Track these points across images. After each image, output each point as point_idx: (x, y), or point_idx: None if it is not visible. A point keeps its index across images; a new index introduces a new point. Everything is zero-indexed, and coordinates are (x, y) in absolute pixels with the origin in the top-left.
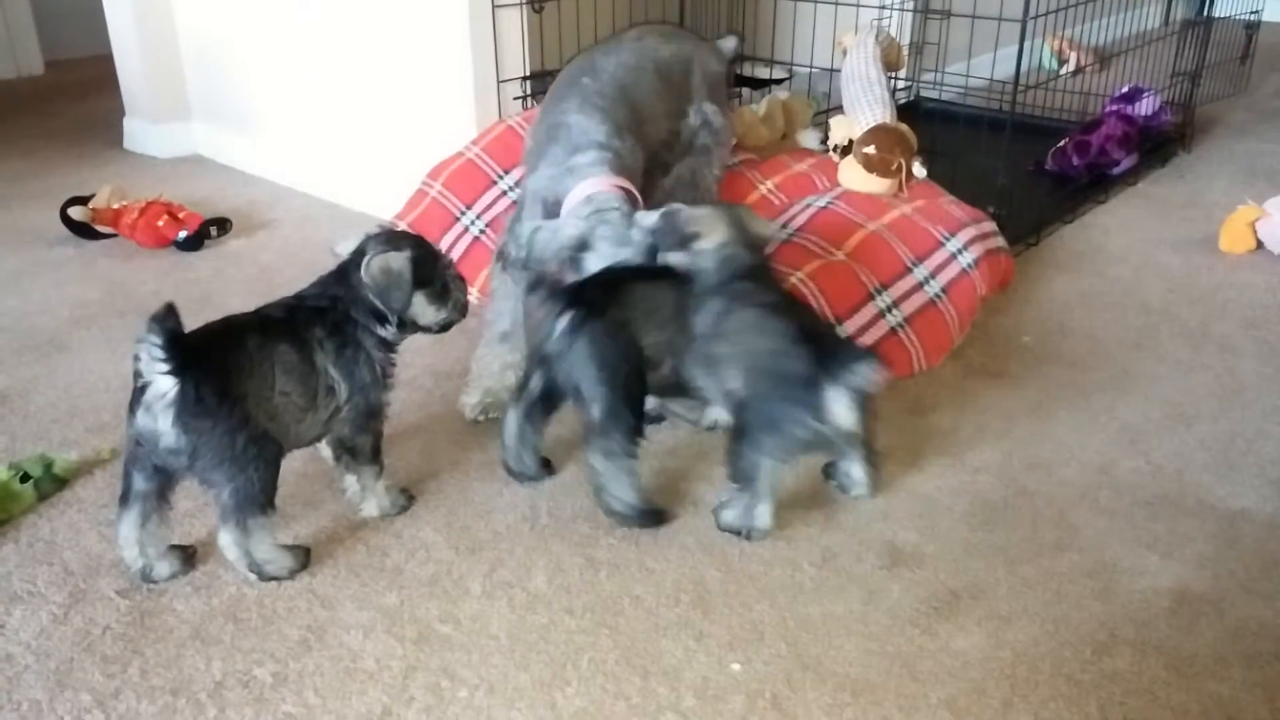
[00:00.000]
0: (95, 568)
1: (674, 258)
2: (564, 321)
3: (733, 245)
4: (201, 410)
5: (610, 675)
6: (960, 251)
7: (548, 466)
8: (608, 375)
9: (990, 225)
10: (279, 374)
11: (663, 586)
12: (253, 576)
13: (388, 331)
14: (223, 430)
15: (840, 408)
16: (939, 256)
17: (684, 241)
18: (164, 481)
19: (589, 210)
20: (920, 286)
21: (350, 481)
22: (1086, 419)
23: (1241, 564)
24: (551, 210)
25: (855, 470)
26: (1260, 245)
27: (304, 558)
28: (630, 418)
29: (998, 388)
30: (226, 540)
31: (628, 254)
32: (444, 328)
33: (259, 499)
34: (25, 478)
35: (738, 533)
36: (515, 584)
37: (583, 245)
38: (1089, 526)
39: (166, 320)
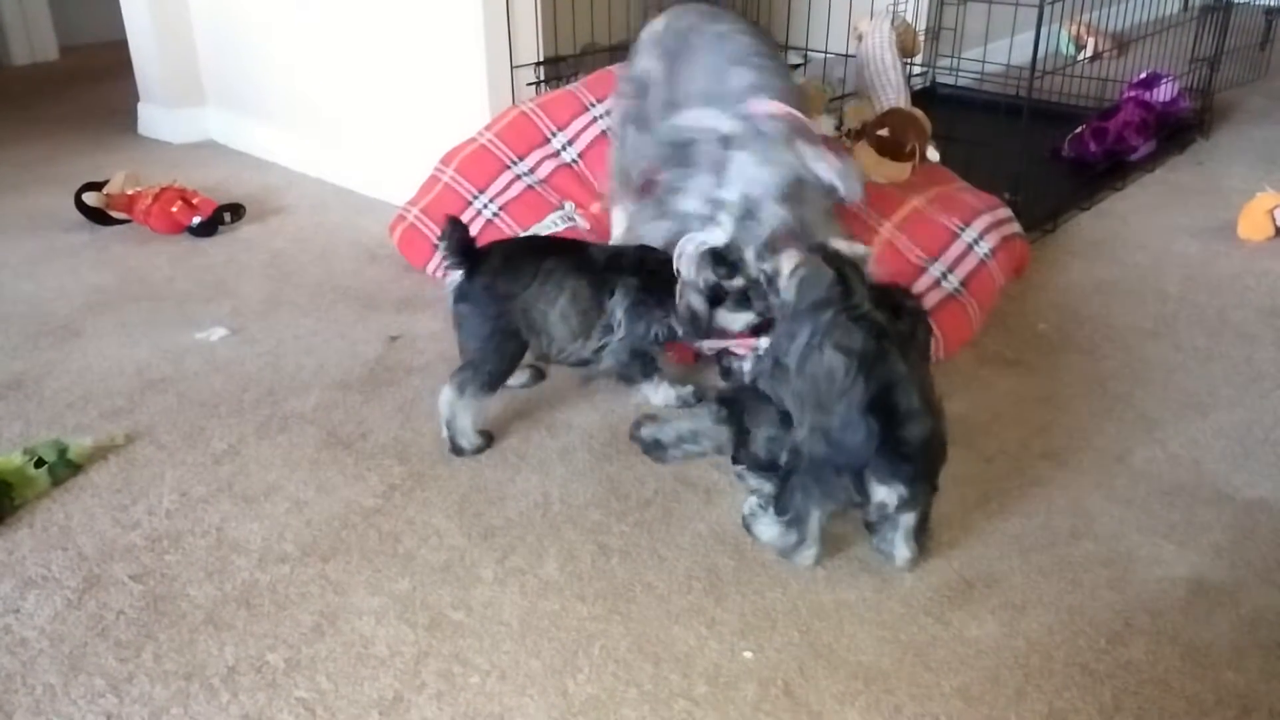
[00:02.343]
0: (109, 553)
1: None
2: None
3: (815, 268)
4: (468, 296)
5: (622, 662)
6: (977, 241)
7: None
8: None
9: (1005, 211)
10: (564, 300)
11: (675, 574)
12: (444, 435)
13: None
14: (479, 316)
15: (883, 499)
16: (955, 249)
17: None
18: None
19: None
20: (938, 283)
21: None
22: (1103, 407)
23: (1258, 553)
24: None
25: (899, 543)
26: (1279, 233)
27: (487, 442)
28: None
29: (1013, 375)
30: (445, 397)
31: (768, 174)
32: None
33: (484, 380)
34: (40, 463)
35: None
36: (527, 570)
37: (728, 142)
38: (1104, 515)
39: (455, 229)
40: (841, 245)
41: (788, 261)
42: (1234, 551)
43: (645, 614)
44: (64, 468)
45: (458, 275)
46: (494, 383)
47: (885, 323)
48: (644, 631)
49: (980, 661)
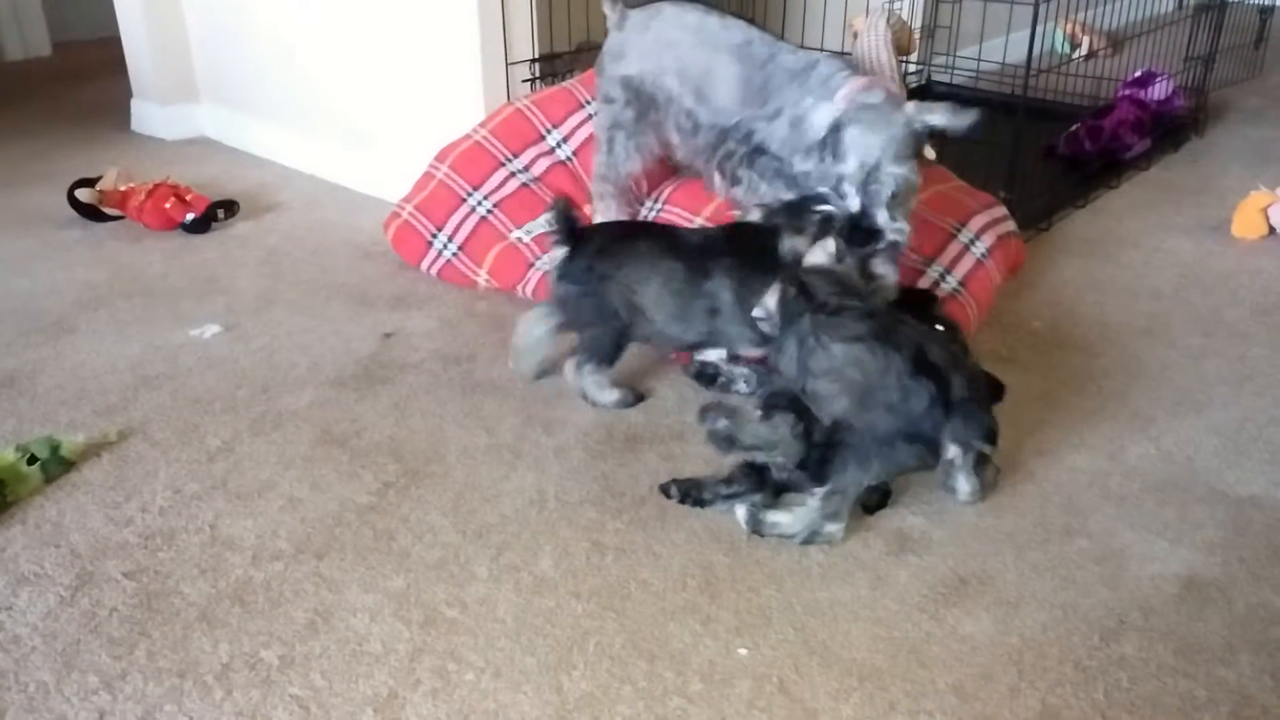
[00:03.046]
0: (102, 550)
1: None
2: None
3: (787, 296)
4: (568, 275)
5: (617, 659)
6: (973, 242)
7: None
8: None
9: (1000, 210)
10: (659, 284)
11: (670, 571)
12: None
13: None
14: (579, 294)
15: (957, 458)
16: (952, 250)
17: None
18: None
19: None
20: (937, 284)
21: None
22: (1096, 405)
23: (1251, 550)
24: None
25: (961, 480)
26: (1272, 231)
27: (635, 397)
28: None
29: (1008, 373)
30: (568, 369)
31: (885, 137)
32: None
33: (595, 355)
34: (32, 460)
35: (791, 537)
36: (522, 568)
37: (838, 126)
38: (1098, 512)
39: (563, 208)
40: (819, 257)
41: (770, 301)
42: (1227, 549)
43: (640, 611)
44: (57, 465)
45: (560, 253)
46: (606, 358)
47: (862, 306)
48: (639, 629)
49: (974, 658)
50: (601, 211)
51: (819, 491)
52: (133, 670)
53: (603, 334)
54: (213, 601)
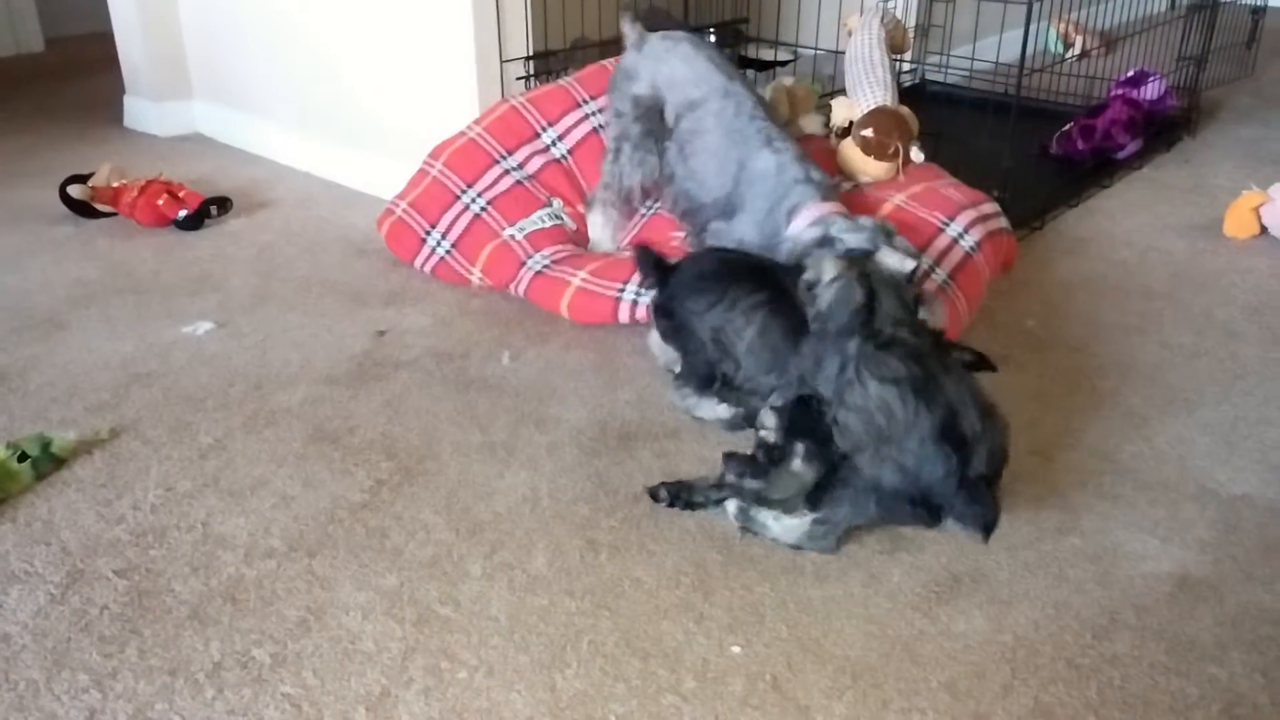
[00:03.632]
0: (93, 548)
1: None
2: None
3: (850, 283)
4: (661, 310)
5: (610, 657)
6: (962, 235)
7: None
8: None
9: (991, 206)
10: (752, 332)
11: (663, 569)
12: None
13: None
14: (673, 329)
15: (951, 526)
16: (941, 242)
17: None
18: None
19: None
20: (928, 275)
21: None
22: (1089, 403)
23: (1242, 549)
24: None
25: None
26: (1264, 230)
27: (738, 418)
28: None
29: (1001, 372)
30: (672, 398)
31: (859, 239)
32: None
33: (691, 382)
34: (23, 457)
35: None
36: (515, 566)
37: (824, 241)
38: (1090, 511)
39: (644, 254)
40: (891, 259)
41: (829, 269)
42: (1218, 547)
43: (633, 609)
44: (48, 462)
45: (652, 291)
46: (704, 386)
47: (913, 341)
48: (632, 627)
49: (967, 656)
50: (599, 215)
51: (809, 516)
52: (123, 668)
53: (697, 362)
54: (204, 599)
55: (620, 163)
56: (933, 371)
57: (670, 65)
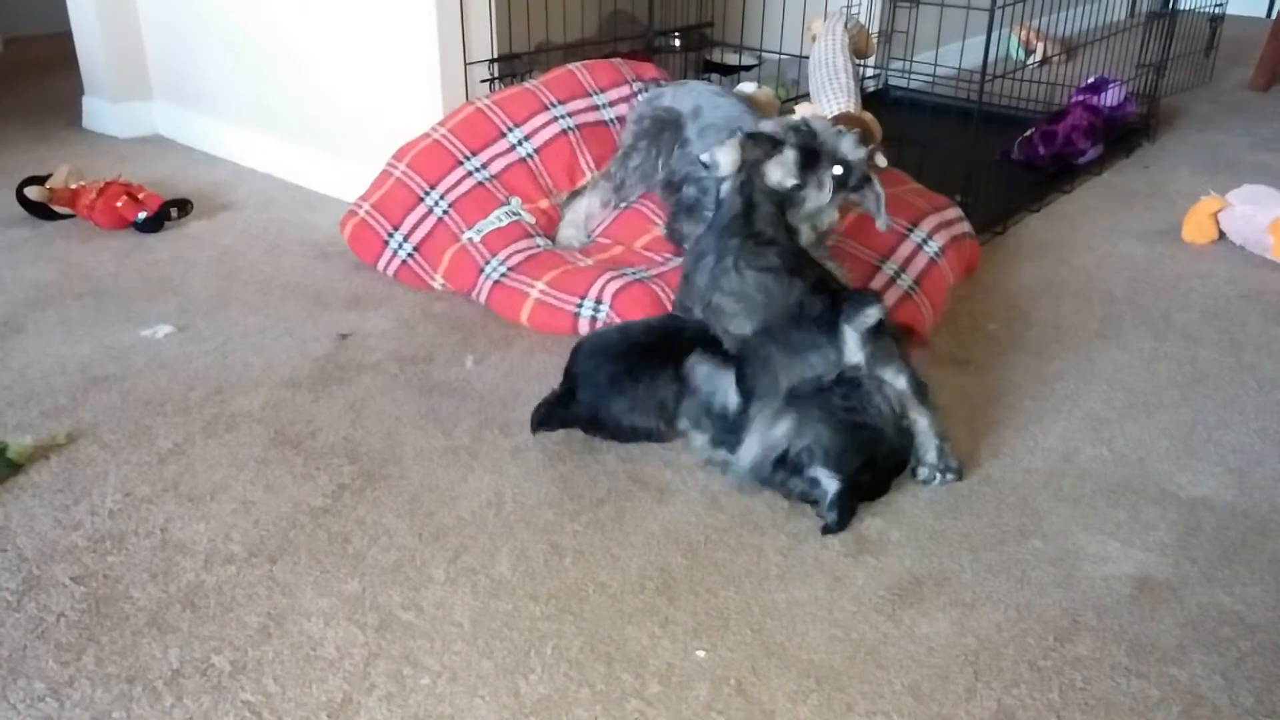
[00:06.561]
0: (50, 554)
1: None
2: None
3: (733, 189)
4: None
5: (574, 662)
6: (926, 241)
7: None
8: None
9: (954, 211)
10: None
11: (628, 573)
12: None
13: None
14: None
15: (853, 344)
16: (905, 249)
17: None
18: None
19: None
20: (893, 281)
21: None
22: (1050, 406)
23: (1202, 551)
24: None
25: (928, 457)
26: (1222, 236)
27: None
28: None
29: (963, 375)
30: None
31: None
32: None
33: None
34: None
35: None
36: (479, 570)
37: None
38: (1052, 513)
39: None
40: (775, 172)
41: (724, 160)
42: (1178, 549)
43: (598, 614)
44: (4, 467)
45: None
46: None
47: (788, 244)
48: (597, 631)
49: (931, 659)
50: (585, 200)
51: (752, 412)
52: (80, 676)
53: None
54: (163, 606)
55: (631, 158)
56: (802, 261)
57: (687, 88)
